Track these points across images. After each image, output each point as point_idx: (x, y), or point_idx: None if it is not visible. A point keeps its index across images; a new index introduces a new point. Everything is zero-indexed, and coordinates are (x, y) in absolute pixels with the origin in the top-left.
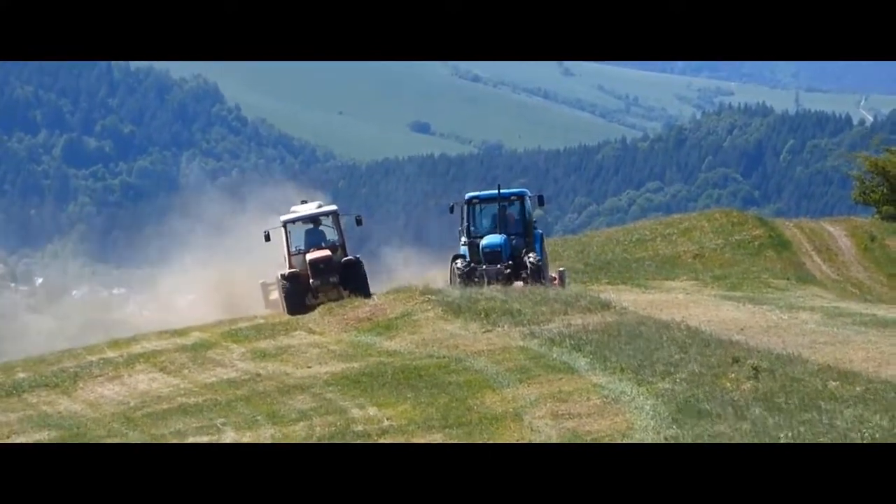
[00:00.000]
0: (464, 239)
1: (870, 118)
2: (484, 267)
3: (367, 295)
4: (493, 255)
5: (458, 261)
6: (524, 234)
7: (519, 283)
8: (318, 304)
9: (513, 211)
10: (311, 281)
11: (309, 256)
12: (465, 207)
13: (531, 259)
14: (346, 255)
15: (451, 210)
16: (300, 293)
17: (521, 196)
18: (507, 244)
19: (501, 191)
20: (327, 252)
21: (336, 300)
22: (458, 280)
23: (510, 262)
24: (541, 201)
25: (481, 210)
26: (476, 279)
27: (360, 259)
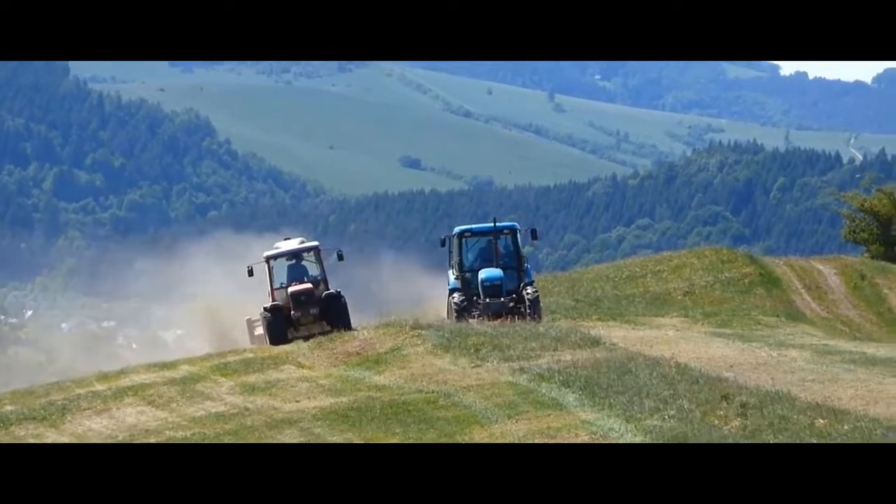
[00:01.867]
0: (455, 272)
1: (859, 156)
2: (487, 300)
3: (349, 327)
4: (493, 288)
5: (455, 294)
6: (517, 267)
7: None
8: (301, 337)
9: (505, 244)
10: (292, 313)
11: (290, 289)
12: (457, 241)
13: (529, 293)
14: (328, 289)
15: (443, 243)
16: (282, 325)
17: (512, 229)
18: (507, 278)
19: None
20: (308, 285)
21: (318, 333)
22: (455, 313)
23: (514, 296)
24: (534, 235)
25: (473, 243)
26: (475, 313)
27: (341, 292)
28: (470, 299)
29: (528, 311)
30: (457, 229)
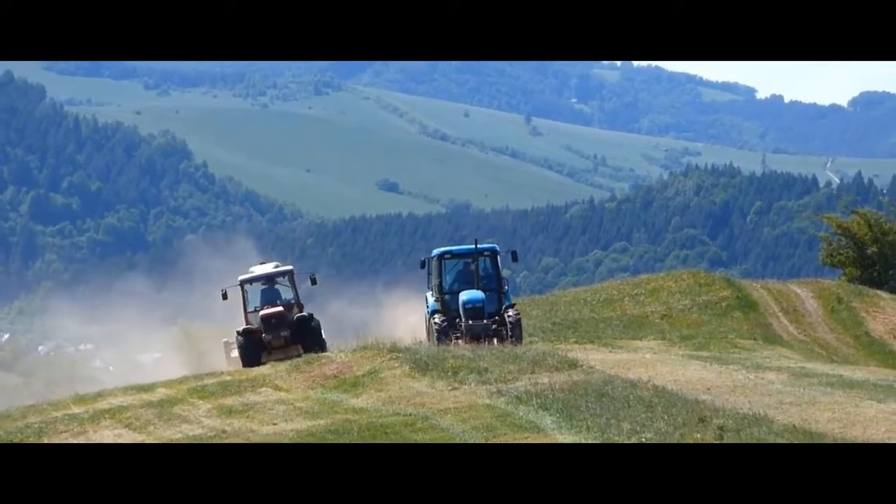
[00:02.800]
0: (435, 294)
1: (836, 180)
2: (469, 322)
3: (323, 349)
4: (474, 310)
5: (437, 316)
6: (497, 289)
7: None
8: (274, 360)
9: (485, 266)
10: (263, 336)
11: (261, 313)
12: (437, 263)
13: (511, 315)
14: (301, 313)
15: (423, 265)
16: (255, 348)
17: (493, 251)
18: (488, 300)
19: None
20: (280, 308)
21: (292, 356)
22: (437, 335)
23: (496, 318)
24: (514, 257)
25: (452, 266)
26: (457, 335)
27: (313, 315)
28: (451, 321)
29: (509, 333)
30: (437, 251)
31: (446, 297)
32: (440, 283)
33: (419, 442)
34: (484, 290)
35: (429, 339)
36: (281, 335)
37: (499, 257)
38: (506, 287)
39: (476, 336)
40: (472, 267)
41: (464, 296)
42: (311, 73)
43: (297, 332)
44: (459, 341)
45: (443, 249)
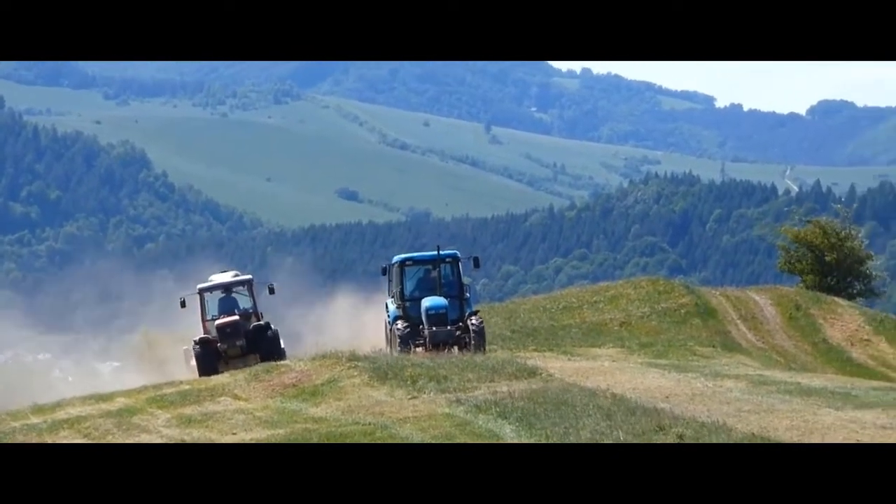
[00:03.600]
0: (396, 301)
1: (795, 188)
2: (433, 329)
3: (282, 358)
4: (437, 317)
5: (399, 323)
6: (459, 296)
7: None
8: (231, 369)
9: (447, 273)
10: (219, 345)
11: (217, 322)
12: (398, 269)
13: (474, 323)
14: (258, 322)
15: (384, 272)
16: (212, 357)
17: (454, 258)
18: (451, 307)
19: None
20: (235, 318)
21: (250, 365)
22: (399, 343)
23: (460, 325)
24: (476, 263)
25: (413, 272)
26: (419, 342)
27: (270, 324)
28: (413, 328)
29: (472, 341)
30: (398, 257)
31: (407, 303)
32: (401, 289)
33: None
34: (446, 297)
35: (389, 347)
36: (236, 344)
37: (460, 264)
38: (467, 294)
39: (439, 343)
40: (434, 273)
41: (426, 302)
42: (270, 82)
43: (254, 341)
44: (419, 349)
45: (404, 256)
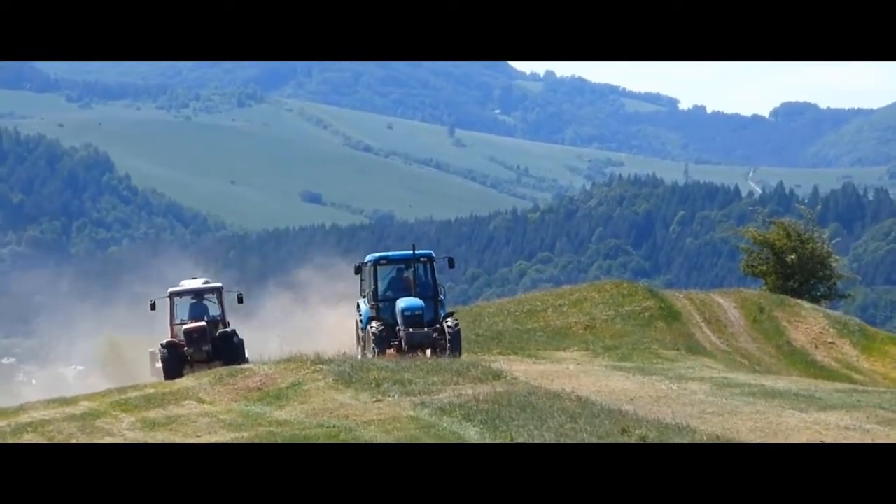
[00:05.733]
0: (370, 302)
1: (758, 190)
2: (410, 331)
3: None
4: (413, 318)
5: (374, 324)
6: (434, 297)
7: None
8: (195, 372)
9: (420, 273)
10: (185, 349)
11: (184, 327)
12: (371, 268)
13: (450, 324)
14: (225, 329)
15: (357, 271)
16: (177, 361)
17: (429, 257)
18: (426, 308)
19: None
20: (202, 323)
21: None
22: (375, 343)
23: (437, 327)
24: (451, 263)
25: (386, 272)
26: (394, 342)
27: (236, 332)
28: (388, 329)
29: (448, 343)
30: (371, 256)
31: (381, 304)
32: (375, 289)
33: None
34: (420, 298)
35: (361, 348)
36: (203, 349)
37: (435, 264)
38: (442, 296)
39: (416, 346)
40: (408, 273)
41: (402, 303)
42: (234, 85)
43: (220, 347)
44: (389, 350)
45: (378, 255)
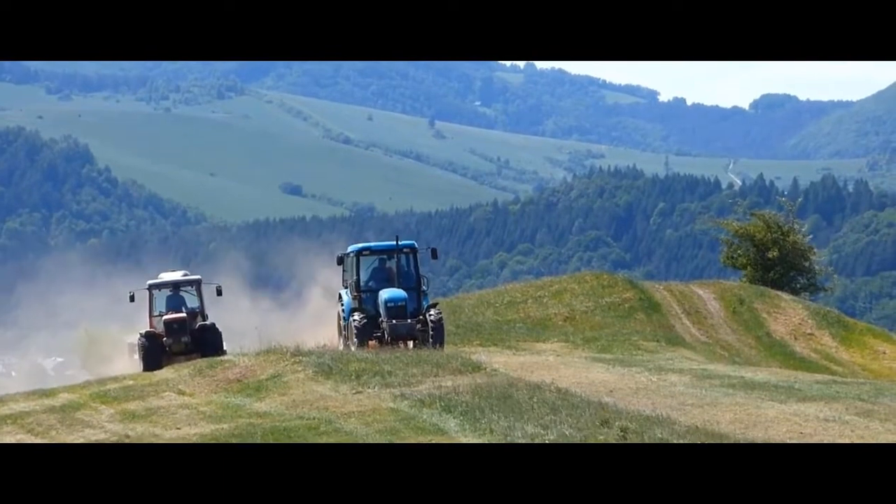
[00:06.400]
0: (353, 293)
1: (738, 182)
2: (393, 322)
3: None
4: (396, 309)
5: (356, 315)
6: (417, 288)
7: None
8: (174, 363)
9: (404, 264)
10: (164, 340)
11: (164, 318)
12: (354, 259)
13: (433, 315)
14: (204, 321)
15: (339, 261)
16: (156, 351)
17: (412, 248)
18: (409, 299)
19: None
20: (182, 314)
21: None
22: (356, 335)
23: (420, 318)
24: (433, 254)
25: (369, 263)
26: (377, 334)
27: (215, 325)
28: (371, 320)
29: (431, 335)
30: (354, 247)
31: (364, 294)
32: (357, 280)
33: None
34: (403, 289)
35: (343, 339)
36: (181, 340)
37: (418, 255)
38: (425, 287)
39: (399, 337)
40: (391, 264)
41: (385, 294)
42: (214, 77)
43: (199, 339)
44: (371, 342)
45: (361, 245)
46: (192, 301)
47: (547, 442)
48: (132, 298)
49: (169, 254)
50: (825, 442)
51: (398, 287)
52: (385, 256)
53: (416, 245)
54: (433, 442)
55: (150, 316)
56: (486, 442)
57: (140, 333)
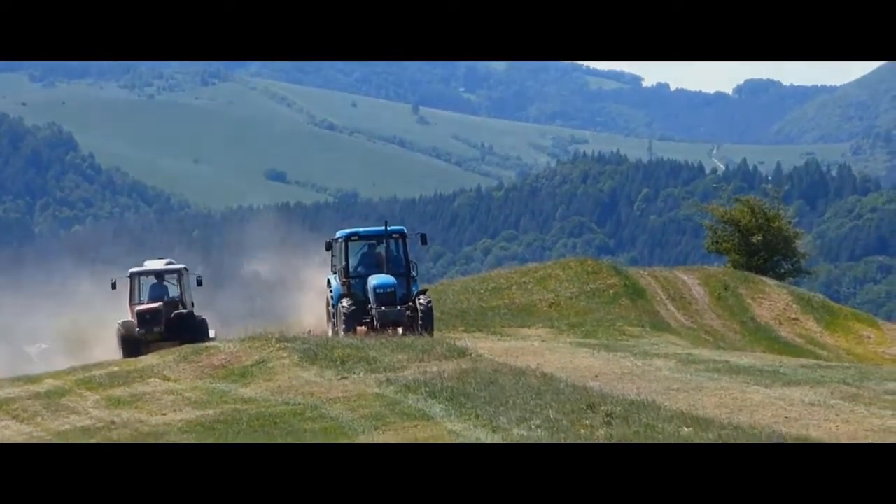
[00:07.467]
0: (341, 278)
1: (722, 167)
2: (382, 308)
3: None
4: (386, 296)
5: (344, 301)
6: (406, 274)
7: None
8: (159, 349)
9: (393, 249)
10: (136, 330)
11: (137, 308)
12: (343, 244)
13: (422, 302)
14: (183, 310)
15: (328, 247)
16: (133, 340)
17: (402, 234)
18: (398, 285)
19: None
20: (157, 305)
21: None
22: (344, 321)
23: (410, 304)
24: (423, 240)
25: (357, 248)
26: (366, 320)
27: (194, 313)
28: (360, 306)
29: (420, 321)
30: (343, 232)
31: (352, 280)
32: (346, 265)
33: (308, 432)
34: (392, 275)
35: (332, 325)
36: (154, 330)
37: (407, 240)
38: (414, 272)
39: (388, 323)
40: (380, 249)
41: (374, 280)
42: (197, 64)
43: (175, 328)
44: (360, 328)
45: (350, 230)
46: (174, 290)
47: (533, 427)
48: (114, 286)
49: (151, 241)
50: (810, 424)
51: (387, 273)
52: (374, 242)
53: (406, 230)
54: (418, 426)
55: (131, 304)
56: (472, 427)
57: (119, 322)
